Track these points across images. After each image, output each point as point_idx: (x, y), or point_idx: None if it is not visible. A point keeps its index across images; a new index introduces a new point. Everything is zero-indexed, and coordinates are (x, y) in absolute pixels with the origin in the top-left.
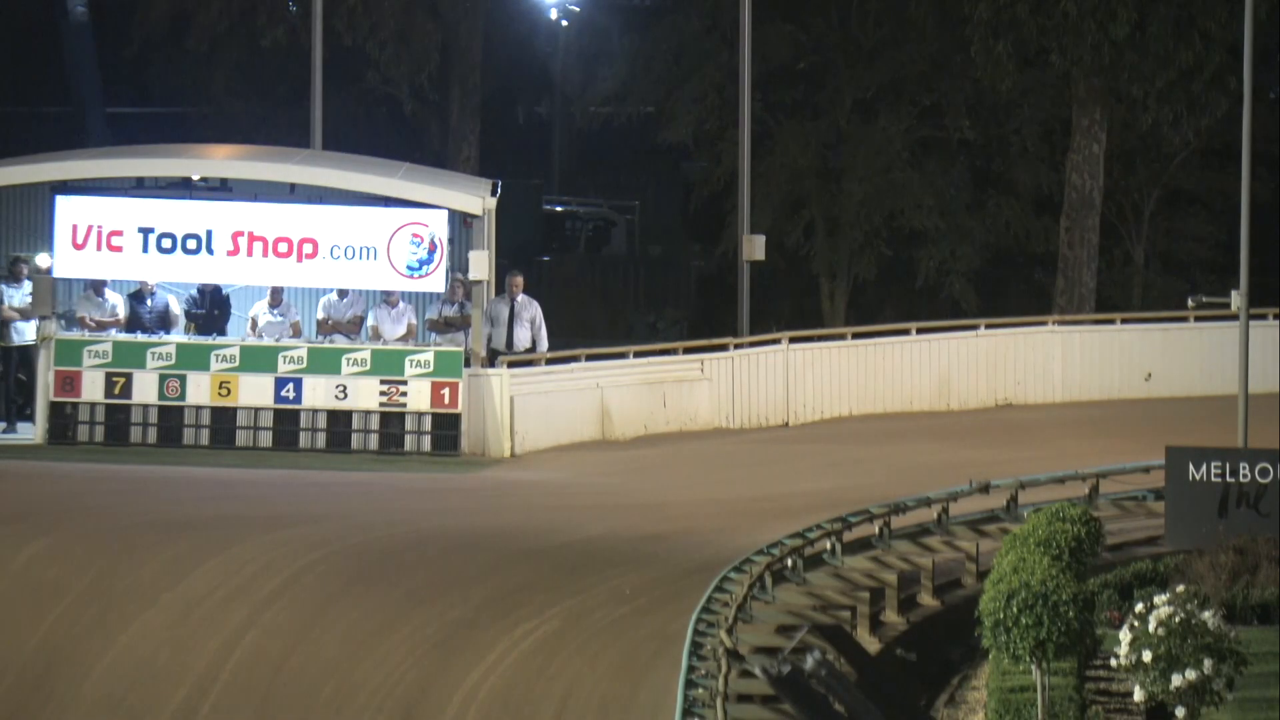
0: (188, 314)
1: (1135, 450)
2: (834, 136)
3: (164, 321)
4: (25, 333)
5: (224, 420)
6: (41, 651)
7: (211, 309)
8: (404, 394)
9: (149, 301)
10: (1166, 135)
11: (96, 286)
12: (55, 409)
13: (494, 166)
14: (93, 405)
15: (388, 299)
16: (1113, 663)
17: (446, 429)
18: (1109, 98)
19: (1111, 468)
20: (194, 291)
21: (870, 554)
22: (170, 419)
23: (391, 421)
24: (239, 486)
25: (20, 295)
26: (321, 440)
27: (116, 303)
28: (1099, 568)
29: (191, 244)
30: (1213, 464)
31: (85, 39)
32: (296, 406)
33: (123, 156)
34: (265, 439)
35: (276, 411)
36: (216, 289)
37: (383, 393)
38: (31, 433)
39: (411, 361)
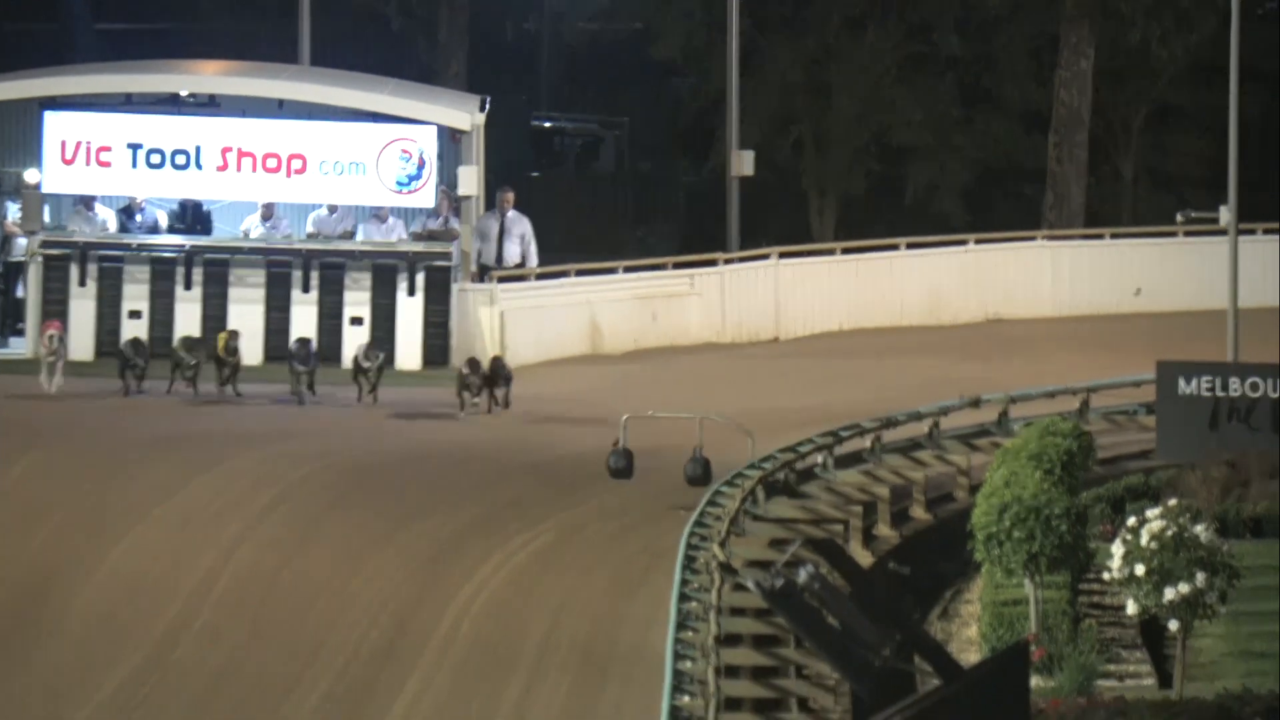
0: (170, 229)
1: (1126, 365)
2: (822, 52)
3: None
4: (21, 247)
5: (215, 332)
6: (34, 569)
7: (193, 223)
8: (394, 309)
9: (139, 217)
10: (1155, 52)
11: (87, 202)
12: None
13: (482, 83)
14: (82, 320)
15: (377, 214)
16: (1105, 576)
17: (436, 344)
18: (1097, 14)
19: (1102, 382)
20: (175, 206)
21: (862, 468)
22: (161, 332)
23: (383, 333)
24: (230, 402)
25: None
26: None
27: (107, 218)
28: (1091, 481)
29: (180, 159)
30: (1203, 378)
31: None
32: (287, 320)
33: (111, 72)
34: (255, 352)
35: (268, 324)
36: (198, 204)
37: (373, 302)
38: (22, 347)
39: (402, 273)
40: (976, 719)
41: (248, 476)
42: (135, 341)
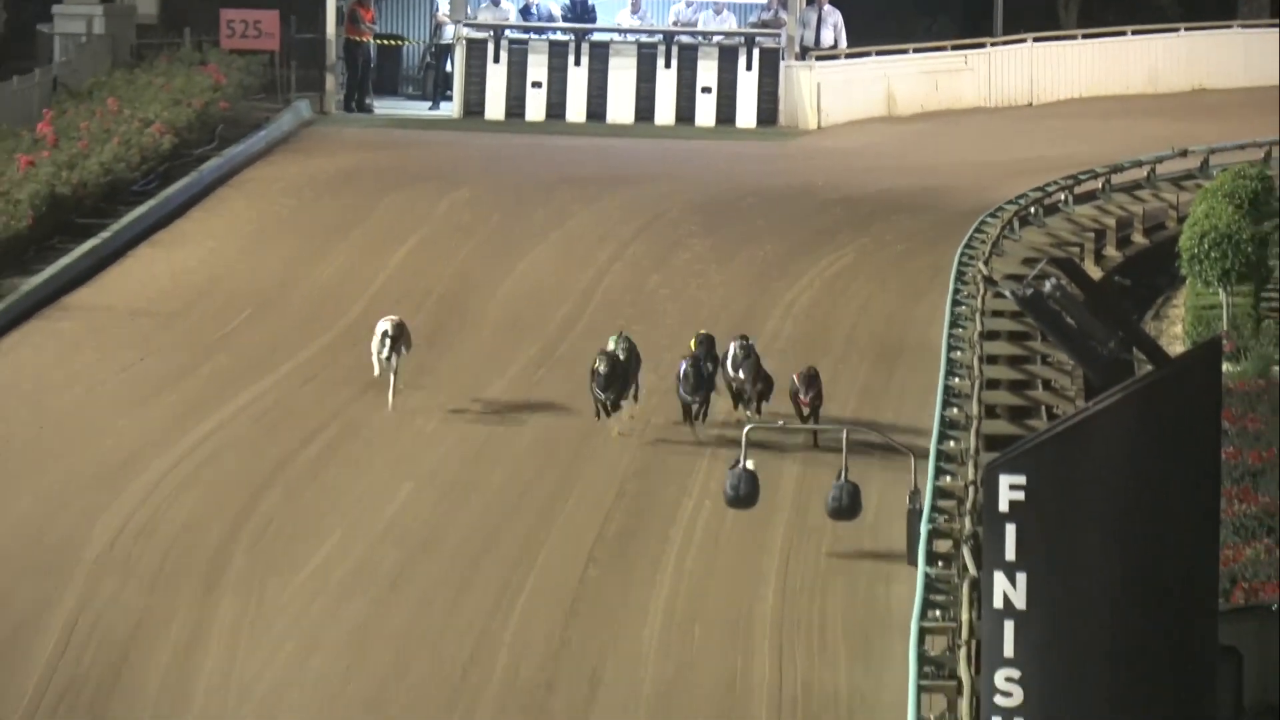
0: (563, 18)
1: None
2: None
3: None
4: (449, 34)
5: (597, 98)
6: (458, 278)
7: (581, 15)
8: (736, 78)
9: (534, 9)
10: None
11: None
12: (468, 90)
13: None
14: (495, 89)
15: (715, 6)
16: None
17: (767, 107)
18: None
19: None
20: (566, 1)
21: (1095, 204)
22: (556, 98)
23: (726, 99)
24: (609, 152)
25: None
26: (671, 115)
27: (509, 10)
28: (1271, 214)
29: None
30: None
31: None
32: (653, 89)
33: None
34: (628, 113)
35: (638, 92)
36: (584, 0)
37: (719, 75)
38: (450, 109)
39: (741, 53)
40: (1180, 396)
41: (620, 211)
42: (609, 374)
